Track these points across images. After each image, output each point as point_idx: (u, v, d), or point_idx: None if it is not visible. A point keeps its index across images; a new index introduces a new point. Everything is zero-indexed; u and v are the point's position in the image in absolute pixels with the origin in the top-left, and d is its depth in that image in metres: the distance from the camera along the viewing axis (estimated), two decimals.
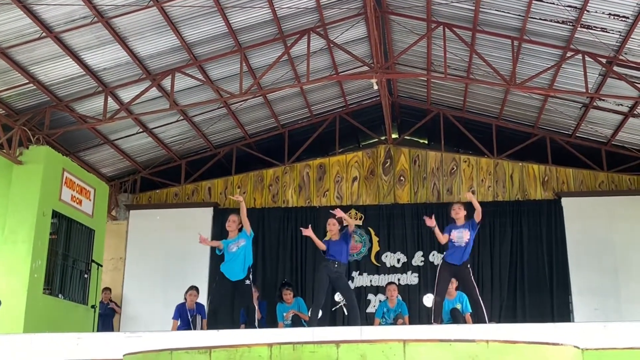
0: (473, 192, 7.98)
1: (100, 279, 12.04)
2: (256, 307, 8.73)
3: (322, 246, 8.49)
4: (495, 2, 10.51)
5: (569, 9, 9.97)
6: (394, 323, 9.96)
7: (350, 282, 13.25)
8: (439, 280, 8.35)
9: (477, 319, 8.28)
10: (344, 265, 8.42)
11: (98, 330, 11.44)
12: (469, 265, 8.29)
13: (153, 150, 14.17)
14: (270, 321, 10.86)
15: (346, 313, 9.83)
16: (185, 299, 10.25)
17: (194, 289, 10.31)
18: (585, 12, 9.87)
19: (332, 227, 8.53)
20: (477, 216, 8.22)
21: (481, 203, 13.64)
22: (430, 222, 8.30)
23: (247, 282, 8.26)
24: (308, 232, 8.50)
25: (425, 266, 13.82)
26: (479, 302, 8.19)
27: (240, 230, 8.43)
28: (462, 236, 8.19)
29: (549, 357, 4.85)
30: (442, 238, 8.34)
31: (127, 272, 14.03)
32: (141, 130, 12.99)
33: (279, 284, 11.49)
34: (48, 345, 6.60)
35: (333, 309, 10.51)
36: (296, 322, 9.94)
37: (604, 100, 12.19)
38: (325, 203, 14.40)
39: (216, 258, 8.54)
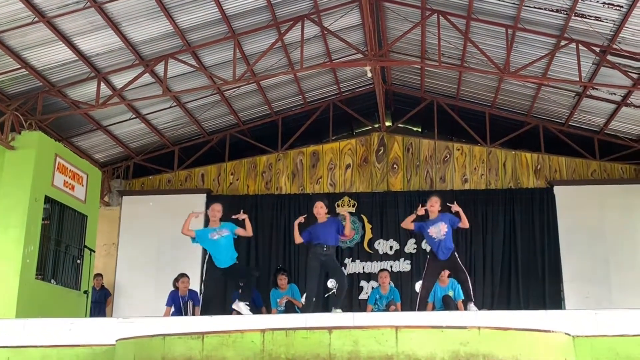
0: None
1: (92, 265, 12.04)
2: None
3: (297, 239, 8.42)
4: None
5: None
6: (387, 310, 10.01)
7: (342, 269, 13.26)
8: (427, 274, 8.47)
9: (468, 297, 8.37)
10: (332, 247, 8.36)
11: (91, 317, 11.44)
12: (455, 253, 8.37)
13: (146, 137, 14.13)
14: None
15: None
16: (177, 287, 10.26)
17: (185, 276, 10.33)
18: (579, 0, 9.86)
19: (320, 209, 8.47)
20: (463, 224, 8.40)
21: (474, 191, 14.04)
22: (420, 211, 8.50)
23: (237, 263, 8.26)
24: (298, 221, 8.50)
25: (418, 253, 13.85)
26: (468, 284, 8.29)
27: (221, 220, 8.32)
28: (439, 230, 8.26)
29: (540, 343, 4.90)
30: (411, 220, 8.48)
31: (119, 258, 14.06)
32: (134, 116, 12.95)
33: (273, 270, 11.49)
34: (40, 330, 6.59)
35: (326, 296, 10.52)
36: (289, 308, 9.96)
37: (597, 89, 12.20)
38: (319, 190, 14.41)
39: None
